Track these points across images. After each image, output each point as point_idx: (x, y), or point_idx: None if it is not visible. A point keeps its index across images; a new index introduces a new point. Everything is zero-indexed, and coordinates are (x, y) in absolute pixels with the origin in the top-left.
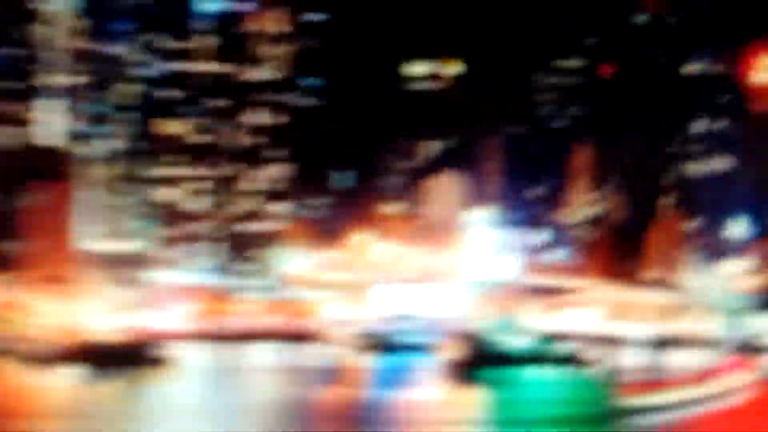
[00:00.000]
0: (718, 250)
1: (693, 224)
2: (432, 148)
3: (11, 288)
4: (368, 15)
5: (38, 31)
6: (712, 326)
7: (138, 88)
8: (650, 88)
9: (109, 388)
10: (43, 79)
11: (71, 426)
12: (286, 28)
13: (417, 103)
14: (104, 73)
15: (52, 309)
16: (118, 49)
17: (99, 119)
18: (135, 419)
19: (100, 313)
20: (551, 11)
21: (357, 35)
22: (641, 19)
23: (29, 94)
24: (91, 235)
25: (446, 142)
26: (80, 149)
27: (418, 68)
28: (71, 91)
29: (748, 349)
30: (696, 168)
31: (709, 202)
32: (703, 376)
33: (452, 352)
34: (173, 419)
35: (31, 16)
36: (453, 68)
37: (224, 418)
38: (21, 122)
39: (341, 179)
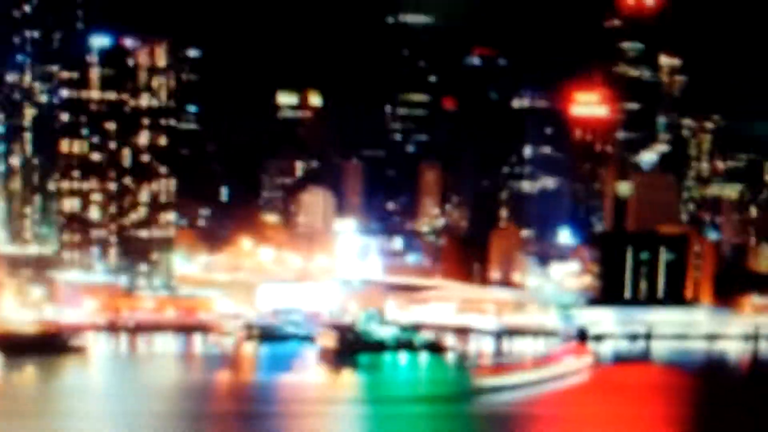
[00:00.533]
0: (549, 255)
1: (527, 233)
2: (301, 167)
3: None
4: (241, 51)
5: None
6: (548, 319)
7: (42, 112)
8: (486, 118)
9: (26, 373)
10: None
11: None
12: (169, 61)
13: (286, 128)
14: (9, 98)
15: None
16: (23, 77)
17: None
18: (50, 399)
19: (12, 307)
20: (399, 53)
21: (231, 68)
22: (475, 60)
23: None
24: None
25: (312, 162)
26: None
27: (286, 98)
28: None
29: (581, 337)
30: (527, 186)
31: (539, 215)
32: (543, 360)
33: (328, 340)
34: (85, 399)
35: None
36: (316, 99)
37: (130, 398)
38: None
39: (224, 193)
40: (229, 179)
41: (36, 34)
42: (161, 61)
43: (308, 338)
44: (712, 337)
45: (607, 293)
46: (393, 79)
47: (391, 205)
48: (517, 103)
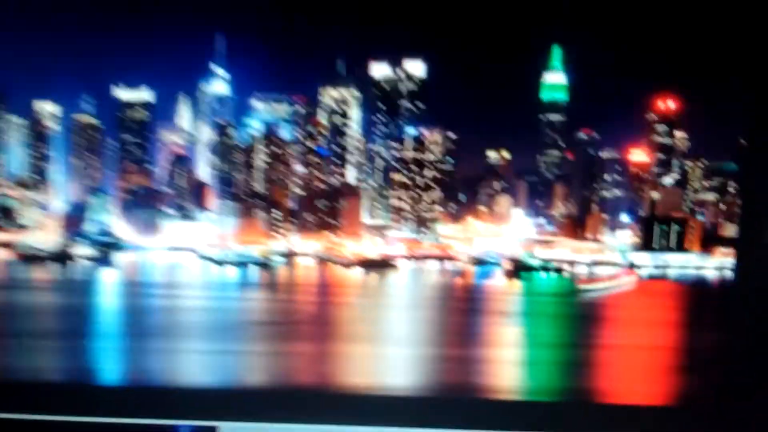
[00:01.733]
0: (616, 226)
1: (605, 216)
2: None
3: None
4: None
5: None
6: (614, 257)
7: None
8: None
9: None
10: None
11: None
12: None
13: None
14: None
15: None
16: None
17: None
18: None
19: None
20: None
21: None
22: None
23: None
24: None
25: None
26: None
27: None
28: None
29: (631, 266)
30: (606, 193)
31: (612, 207)
32: (612, 277)
33: (507, 265)
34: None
35: None
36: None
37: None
38: None
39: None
40: None
41: None
42: None
43: (498, 264)
44: (698, 268)
45: (643, 245)
46: None
47: (540, 203)
48: (603, 154)
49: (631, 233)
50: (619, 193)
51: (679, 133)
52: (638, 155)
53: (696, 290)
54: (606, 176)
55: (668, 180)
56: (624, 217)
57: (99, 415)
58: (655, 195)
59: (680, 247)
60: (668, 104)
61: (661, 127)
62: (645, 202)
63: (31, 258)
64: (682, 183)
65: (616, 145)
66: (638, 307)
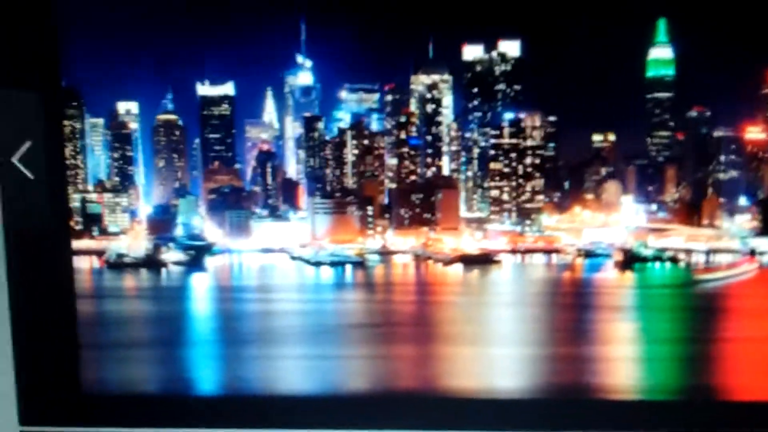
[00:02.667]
0: (734, 210)
1: (722, 200)
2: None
3: None
4: None
5: None
6: (734, 243)
7: None
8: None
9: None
10: None
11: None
12: None
13: None
14: None
15: None
16: None
17: None
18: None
19: None
20: None
21: None
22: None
23: None
24: None
25: None
26: None
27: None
28: None
29: (751, 253)
30: (722, 175)
31: (729, 190)
32: (731, 265)
33: (618, 257)
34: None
35: None
36: None
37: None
38: None
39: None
40: None
41: None
42: None
43: (608, 255)
44: None
45: (764, 230)
46: None
47: (651, 188)
48: (716, 133)
49: (751, 217)
50: (736, 174)
51: None
52: (755, 133)
53: None
54: (721, 157)
55: None
56: (742, 200)
57: (195, 425)
58: None
59: None
60: None
61: None
62: (764, 183)
63: (119, 265)
64: None
65: (730, 123)
66: (760, 297)
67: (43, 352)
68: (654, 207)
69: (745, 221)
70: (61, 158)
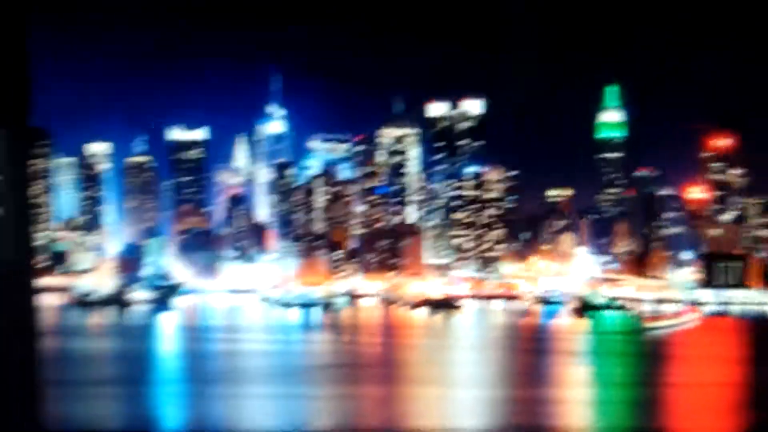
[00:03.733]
0: (679, 264)
1: (668, 254)
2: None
3: None
4: None
5: None
6: (678, 294)
7: None
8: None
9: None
10: None
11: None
12: None
13: None
14: None
15: None
16: None
17: None
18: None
19: None
20: None
21: None
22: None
23: None
24: None
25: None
26: None
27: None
28: None
29: (693, 304)
30: (667, 231)
31: (673, 245)
32: (676, 314)
33: (574, 304)
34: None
35: None
36: None
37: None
38: None
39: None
40: None
41: None
42: None
43: (563, 303)
44: (760, 304)
45: (706, 282)
46: None
47: (603, 240)
48: (661, 192)
49: (694, 269)
50: (680, 230)
51: (735, 171)
52: (696, 193)
53: (759, 326)
54: (665, 213)
55: (727, 217)
56: (686, 254)
57: None
58: (714, 232)
59: (741, 284)
60: (725, 142)
61: (717, 165)
62: (705, 239)
63: (85, 303)
64: (740, 220)
65: (674, 183)
66: (703, 344)
67: (7, 389)
68: (606, 258)
69: (689, 273)
70: (27, 196)
